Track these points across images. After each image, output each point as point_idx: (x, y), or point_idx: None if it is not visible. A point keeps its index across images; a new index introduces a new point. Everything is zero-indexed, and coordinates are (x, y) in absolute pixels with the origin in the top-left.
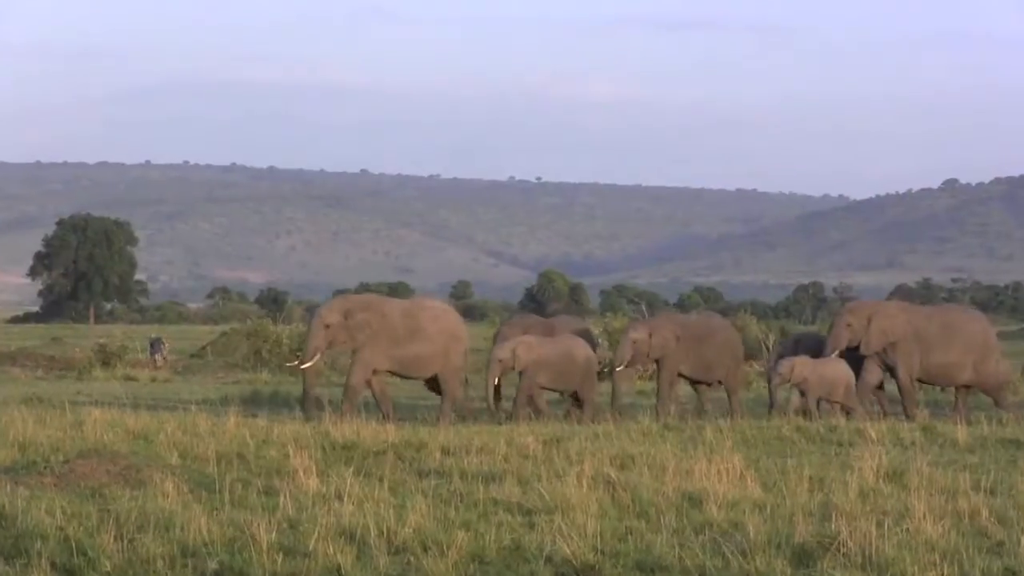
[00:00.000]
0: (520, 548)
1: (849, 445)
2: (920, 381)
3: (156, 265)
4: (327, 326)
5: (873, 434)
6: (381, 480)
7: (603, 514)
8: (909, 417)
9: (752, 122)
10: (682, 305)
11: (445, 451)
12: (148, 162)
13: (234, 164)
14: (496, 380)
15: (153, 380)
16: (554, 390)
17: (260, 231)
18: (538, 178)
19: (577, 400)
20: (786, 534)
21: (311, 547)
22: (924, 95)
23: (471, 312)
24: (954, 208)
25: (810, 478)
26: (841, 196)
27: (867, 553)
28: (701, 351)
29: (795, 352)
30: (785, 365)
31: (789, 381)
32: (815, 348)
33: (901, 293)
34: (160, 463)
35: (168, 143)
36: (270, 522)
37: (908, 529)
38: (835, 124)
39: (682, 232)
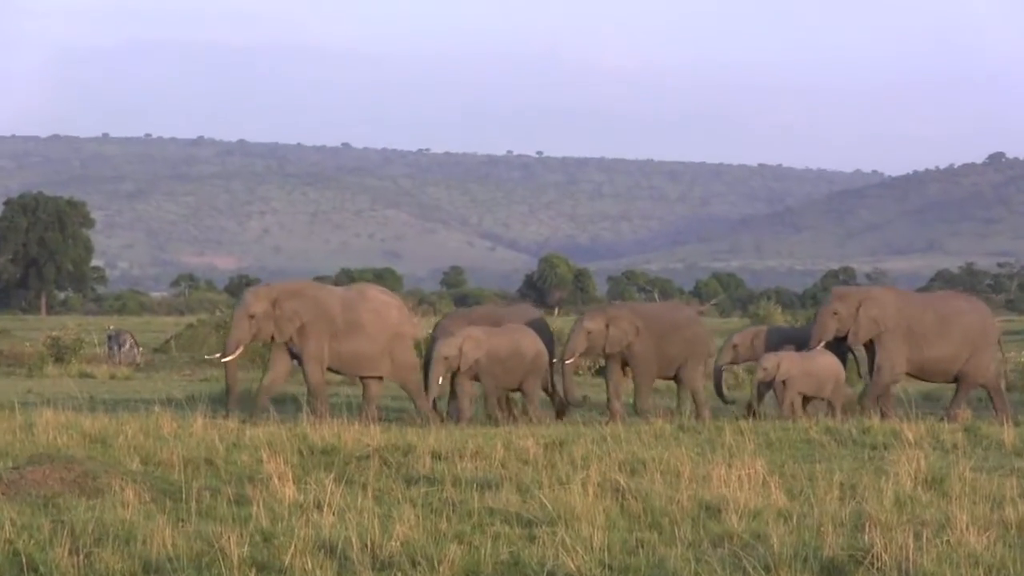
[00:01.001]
0: (519, 563)
1: (884, 448)
2: (912, 376)
3: (115, 250)
4: (251, 316)
5: (910, 436)
6: (365, 488)
7: (611, 525)
8: (864, 410)
9: (776, 91)
10: (698, 293)
11: (436, 455)
12: (106, 135)
13: (201, 137)
14: (440, 380)
15: (112, 377)
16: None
17: (230, 212)
18: (539, 152)
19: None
20: (814, 547)
21: (287, 562)
22: (966, 60)
23: (465, 301)
24: (1001, 185)
25: (840, 485)
26: (875, 172)
27: (904, 567)
28: (663, 346)
29: (764, 348)
30: (770, 360)
31: (775, 377)
32: (783, 342)
33: (942, 280)
34: (119, 469)
35: (128, 114)
36: (241, 535)
37: (949, 541)
38: (868, 92)
39: (699, 212)
